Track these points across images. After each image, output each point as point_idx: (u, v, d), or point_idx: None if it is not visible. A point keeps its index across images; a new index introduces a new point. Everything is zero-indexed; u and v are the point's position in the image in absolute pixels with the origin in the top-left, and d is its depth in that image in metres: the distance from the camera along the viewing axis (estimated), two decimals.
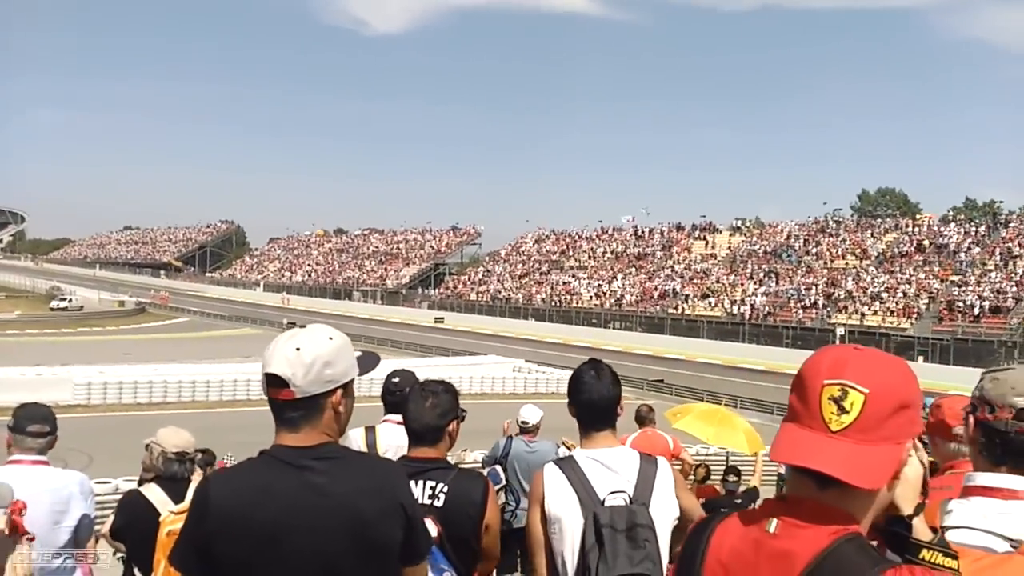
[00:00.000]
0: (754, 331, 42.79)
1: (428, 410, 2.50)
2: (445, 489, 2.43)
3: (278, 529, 1.61)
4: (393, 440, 3.24)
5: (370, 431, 3.48)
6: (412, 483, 2.25)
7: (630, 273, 56.54)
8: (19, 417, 3.08)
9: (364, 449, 3.34)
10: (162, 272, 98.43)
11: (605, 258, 61.70)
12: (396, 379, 3.39)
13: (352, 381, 1.77)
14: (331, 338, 1.72)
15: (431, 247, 79.08)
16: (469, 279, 67.82)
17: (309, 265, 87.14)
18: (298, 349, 1.66)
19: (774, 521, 1.14)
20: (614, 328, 49.95)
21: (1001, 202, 53.52)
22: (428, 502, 2.39)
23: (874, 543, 1.13)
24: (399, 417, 2.79)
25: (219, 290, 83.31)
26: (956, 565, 1.10)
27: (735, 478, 7.34)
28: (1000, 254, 41.01)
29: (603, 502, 2.34)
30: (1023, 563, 1.28)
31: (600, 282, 56.46)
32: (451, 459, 2.69)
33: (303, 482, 1.63)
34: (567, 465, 2.47)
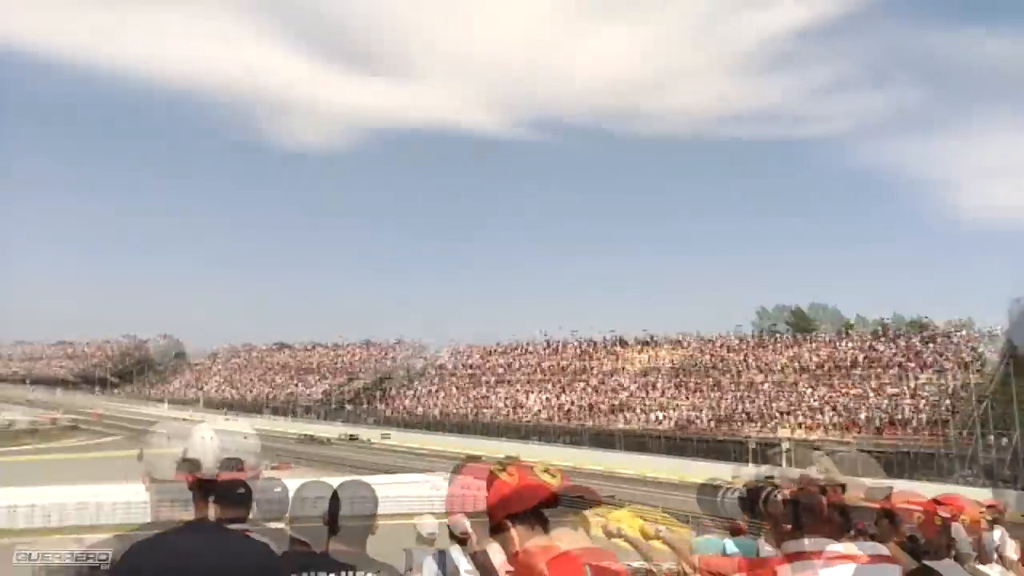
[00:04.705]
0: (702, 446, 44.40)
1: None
2: None
3: None
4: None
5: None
6: None
7: (576, 387, 56.85)
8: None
9: None
10: (96, 388, 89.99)
11: (550, 371, 61.16)
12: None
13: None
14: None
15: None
16: (415, 393, 66.14)
17: (251, 380, 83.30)
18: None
19: None
20: (564, 443, 49.22)
21: None
22: None
23: None
24: None
25: (156, 408, 71.89)
26: None
27: None
28: None
29: None
30: None
31: (548, 395, 56.73)
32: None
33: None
34: None
